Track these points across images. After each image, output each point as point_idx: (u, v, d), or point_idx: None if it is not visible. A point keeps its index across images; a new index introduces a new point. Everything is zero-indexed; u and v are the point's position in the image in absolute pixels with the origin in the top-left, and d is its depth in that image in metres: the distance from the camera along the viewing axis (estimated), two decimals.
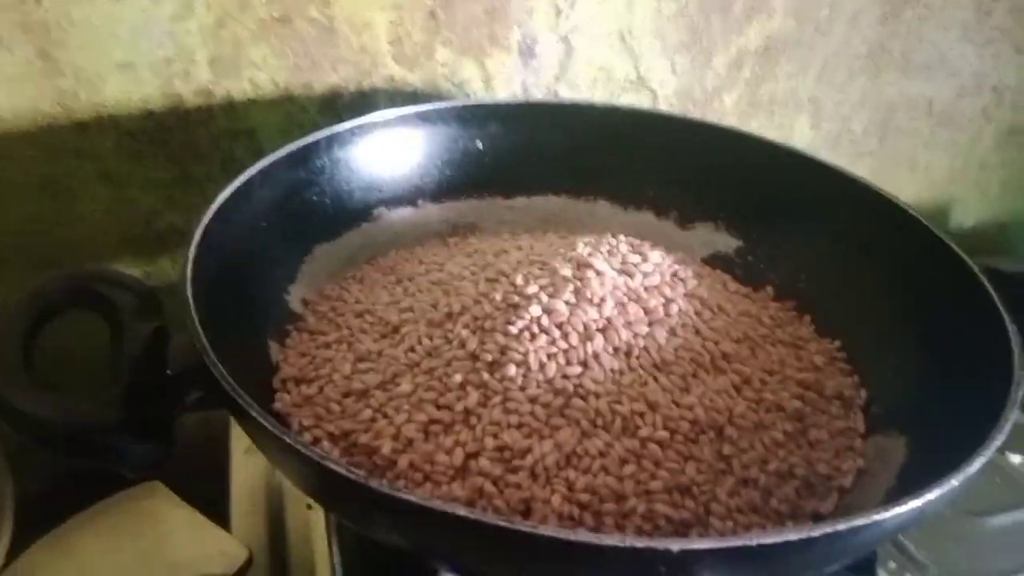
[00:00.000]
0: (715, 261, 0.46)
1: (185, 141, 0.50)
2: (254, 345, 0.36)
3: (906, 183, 0.68)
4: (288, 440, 0.24)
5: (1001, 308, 0.33)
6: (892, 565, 0.38)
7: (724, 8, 0.56)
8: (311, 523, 0.37)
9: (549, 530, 0.23)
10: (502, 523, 0.21)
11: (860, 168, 0.67)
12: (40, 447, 0.30)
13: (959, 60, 0.64)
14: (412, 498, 0.22)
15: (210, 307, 0.32)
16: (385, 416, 0.31)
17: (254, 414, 0.25)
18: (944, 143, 0.67)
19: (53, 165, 0.48)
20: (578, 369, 0.31)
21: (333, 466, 0.23)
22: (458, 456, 0.29)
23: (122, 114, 0.48)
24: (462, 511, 0.22)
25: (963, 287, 0.35)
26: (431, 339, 0.33)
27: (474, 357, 0.31)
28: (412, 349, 0.33)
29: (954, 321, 0.36)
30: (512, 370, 0.31)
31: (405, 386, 0.31)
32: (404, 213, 0.47)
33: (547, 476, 0.29)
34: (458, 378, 0.31)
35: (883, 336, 0.38)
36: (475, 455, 0.29)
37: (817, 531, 0.22)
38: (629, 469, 0.29)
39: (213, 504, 0.39)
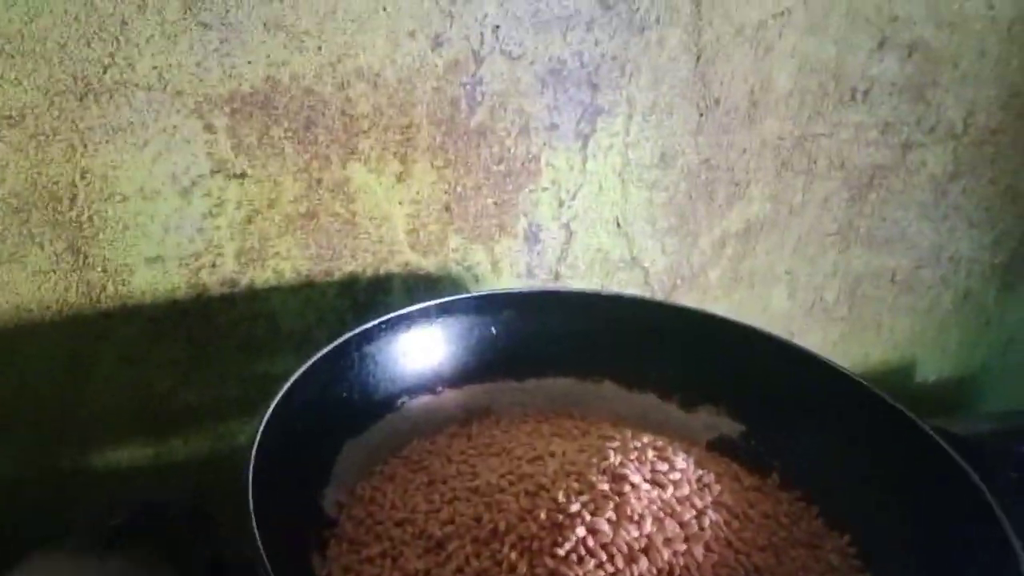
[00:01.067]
0: (720, 444, 0.49)
1: (206, 325, 0.51)
2: (297, 558, 0.37)
3: (872, 344, 0.73)
4: None
5: (1005, 522, 0.36)
6: None
7: (708, 196, 0.61)
8: None
9: None
10: None
11: (831, 332, 0.72)
12: None
13: (918, 235, 0.70)
14: None
15: (259, 526, 0.33)
16: None
17: None
18: (906, 308, 0.72)
19: (75, 348, 0.49)
20: None
21: None
22: None
23: (147, 303, 0.49)
24: None
25: (962, 493, 0.38)
26: (479, 559, 0.34)
27: None
28: (460, 570, 0.34)
29: (954, 522, 0.39)
30: None
31: None
32: (424, 400, 0.49)
33: None
34: None
35: (889, 531, 0.41)
36: None
37: None
38: None
39: None
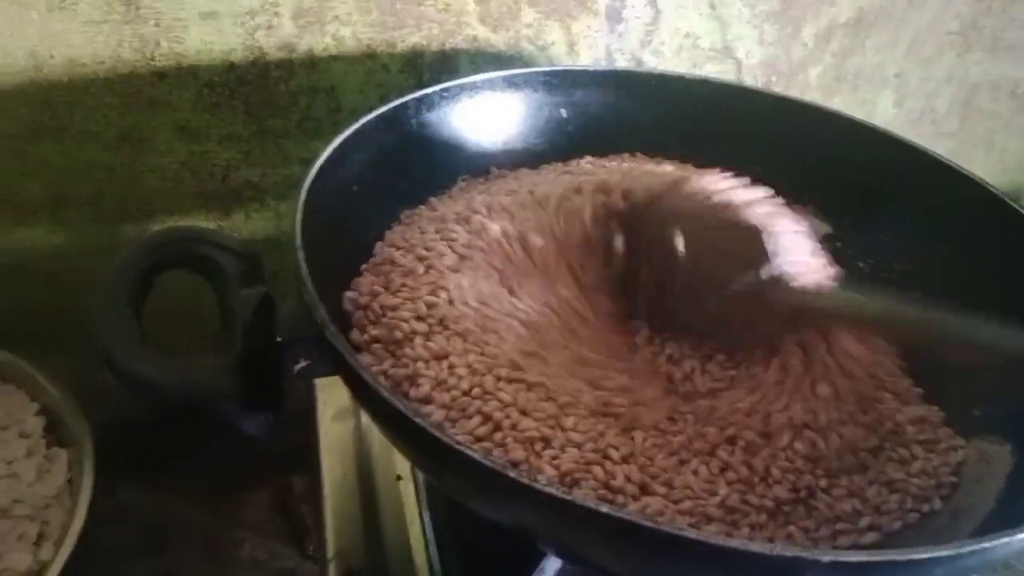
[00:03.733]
0: None
1: (264, 96, 0.49)
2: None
3: (980, 165, 0.66)
4: (436, 434, 0.24)
5: None
6: None
7: None
8: (402, 491, 0.37)
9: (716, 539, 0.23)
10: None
11: (938, 148, 0.65)
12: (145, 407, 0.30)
13: None
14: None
15: (312, 276, 0.31)
16: None
17: (385, 394, 0.25)
18: (1023, 128, 0.65)
19: (131, 115, 0.47)
20: None
21: (481, 459, 0.23)
22: None
23: (202, 65, 0.47)
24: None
25: None
26: None
27: None
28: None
29: None
30: None
31: None
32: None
33: None
34: None
35: None
36: None
37: (967, 547, 0.22)
38: None
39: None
